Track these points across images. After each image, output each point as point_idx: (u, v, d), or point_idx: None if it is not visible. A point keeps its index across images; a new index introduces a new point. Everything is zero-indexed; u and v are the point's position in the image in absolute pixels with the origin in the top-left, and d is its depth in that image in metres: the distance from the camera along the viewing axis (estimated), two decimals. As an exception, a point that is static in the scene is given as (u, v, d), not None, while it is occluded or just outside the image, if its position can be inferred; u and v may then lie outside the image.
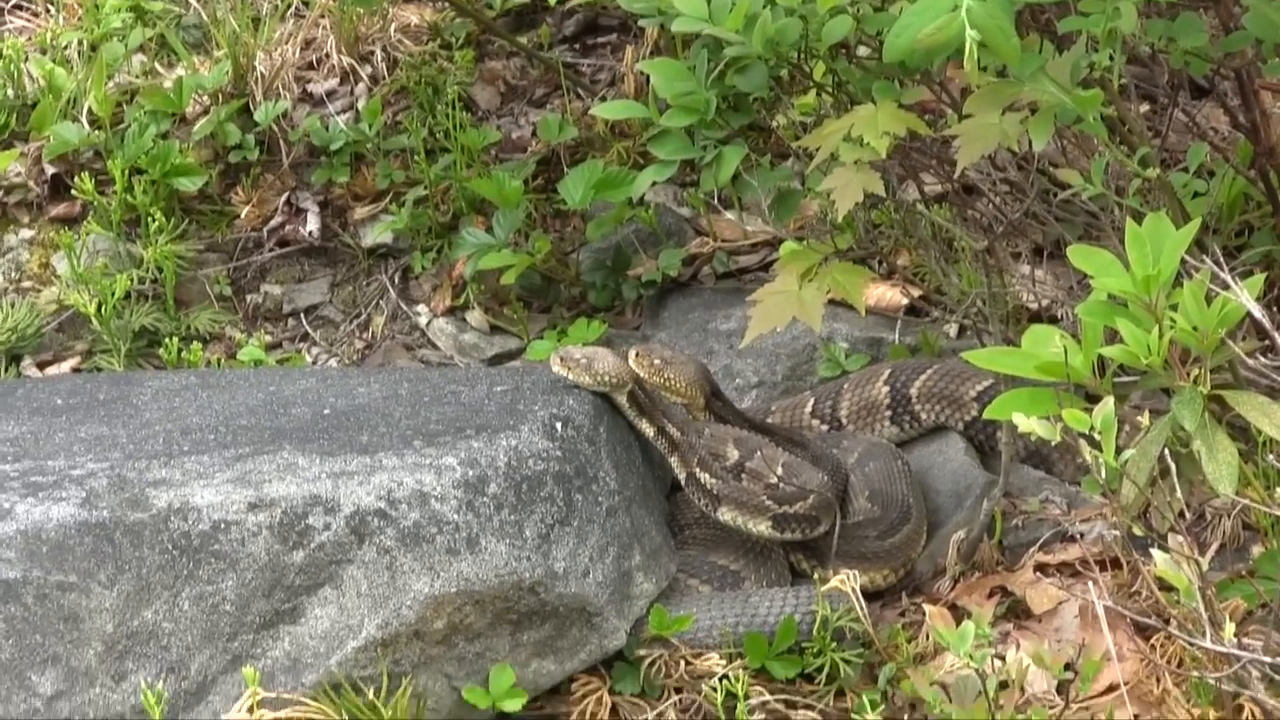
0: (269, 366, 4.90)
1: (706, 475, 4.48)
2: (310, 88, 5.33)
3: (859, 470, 4.57)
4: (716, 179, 4.41)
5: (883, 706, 3.98)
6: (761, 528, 4.45)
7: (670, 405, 4.53)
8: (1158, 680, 3.88)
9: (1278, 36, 3.90)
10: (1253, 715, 3.63)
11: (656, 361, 4.45)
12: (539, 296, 5.09)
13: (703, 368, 4.53)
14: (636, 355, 4.47)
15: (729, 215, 5.00)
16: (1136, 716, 3.81)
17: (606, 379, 4.27)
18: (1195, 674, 3.76)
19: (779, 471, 4.62)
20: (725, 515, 4.43)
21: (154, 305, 4.93)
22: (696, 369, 4.50)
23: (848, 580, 4.16)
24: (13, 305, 5.09)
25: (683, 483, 4.51)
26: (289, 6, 5.34)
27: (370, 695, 3.96)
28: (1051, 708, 3.76)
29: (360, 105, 5.25)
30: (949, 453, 4.62)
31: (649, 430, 4.48)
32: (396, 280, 5.17)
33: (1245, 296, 3.48)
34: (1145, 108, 4.41)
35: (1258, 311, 3.49)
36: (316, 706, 3.93)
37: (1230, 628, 3.52)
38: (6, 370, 4.91)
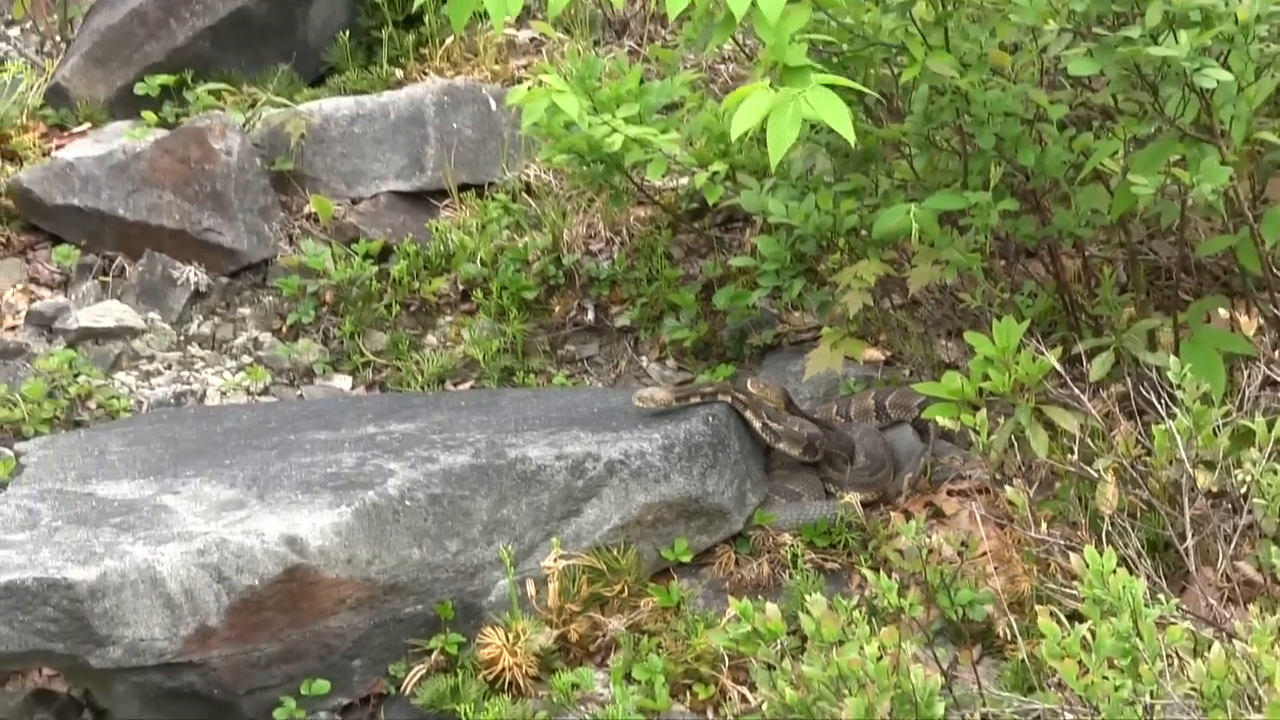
0: (567, 388, 4.87)
1: (751, 413, 4.36)
2: (590, 247, 5.19)
3: (860, 442, 4.51)
4: (789, 295, 4.43)
5: (869, 561, 4.01)
6: (756, 425, 4.36)
7: (767, 404, 4.44)
8: (1007, 551, 3.91)
9: (1070, 227, 3.93)
10: (1056, 569, 3.67)
11: (762, 384, 4.39)
12: (703, 352, 4.96)
13: (784, 388, 4.48)
14: (752, 380, 4.43)
15: (797, 313, 4.95)
16: (996, 568, 3.82)
17: (662, 402, 4.20)
18: (1026, 548, 3.82)
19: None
20: (747, 415, 4.33)
21: (511, 355, 4.91)
22: (781, 389, 4.45)
23: (853, 498, 4.17)
24: (439, 355, 5.01)
25: (730, 402, 4.39)
26: (579, 207, 5.21)
27: (614, 553, 4.01)
28: (953, 563, 3.79)
29: (615, 256, 5.12)
30: (904, 434, 4.56)
31: (728, 402, 4.34)
32: (632, 344, 5.06)
33: (1051, 357, 3.58)
34: (1002, 262, 4.44)
35: (1057, 365, 3.59)
36: (588, 558, 3.98)
37: (1044, 525, 3.66)
38: (437, 387, 4.88)
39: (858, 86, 3.69)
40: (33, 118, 5.72)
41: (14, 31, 6.37)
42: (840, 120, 3.48)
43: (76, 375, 4.69)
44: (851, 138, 3.55)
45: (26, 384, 4.61)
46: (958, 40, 3.91)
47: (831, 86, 3.52)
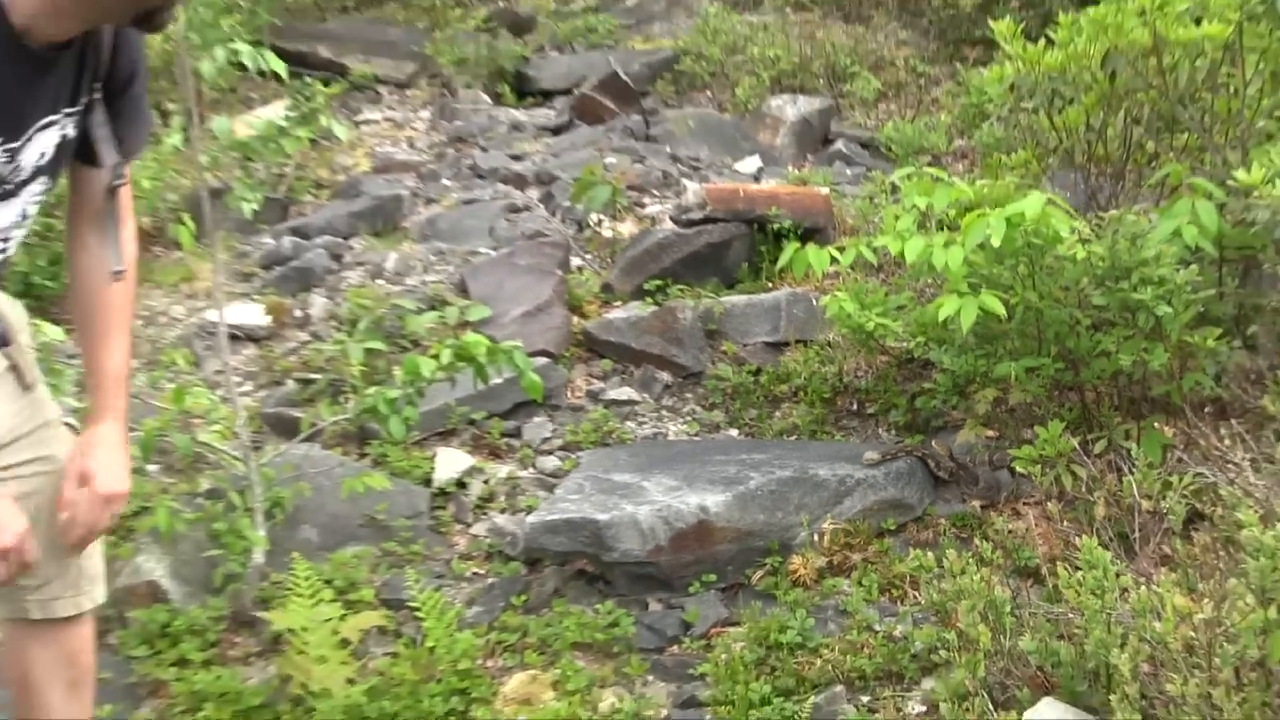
0: (841, 442, 5.68)
1: (930, 459, 4.77)
2: (857, 373, 6.32)
3: (980, 474, 4.99)
4: (953, 402, 5.28)
5: (981, 534, 4.65)
6: (931, 465, 4.85)
7: (939, 453, 4.88)
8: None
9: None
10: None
11: (940, 444, 4.96)
12: (908, 428, 5.73)
13: (950, 447, 5.02)
14: (936, 441, 5.06)
15: (956, 411, 5.55)
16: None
17: (878, 460, 4.51)
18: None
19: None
20: (927, 461, 4.66)
21: (815, 424, 5.99)
22: (948, 447, 5.02)
23: (975, 504, 4.93)
24: (780, 421, 6.00)
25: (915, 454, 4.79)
26: (853, 353, 6.30)
27: (857, 523, 4.73)
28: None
29: (868, 379, 6.09)
30: (1003, 475, 5.00)
31: None
32: (874, 422, 6.09)
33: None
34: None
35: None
36: (845, 525, 4.74)
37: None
38: (779, 437, 5.72)
39: (997, 304, 4.40)
40: (592, 298, 7.13)
41: (589, 256, 7.75)
42: (996, 308, 4.36)
43: (607, 421, 5.78)
44: (1003, 313, 4.22)
45: (583, 425, 5.79)
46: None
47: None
